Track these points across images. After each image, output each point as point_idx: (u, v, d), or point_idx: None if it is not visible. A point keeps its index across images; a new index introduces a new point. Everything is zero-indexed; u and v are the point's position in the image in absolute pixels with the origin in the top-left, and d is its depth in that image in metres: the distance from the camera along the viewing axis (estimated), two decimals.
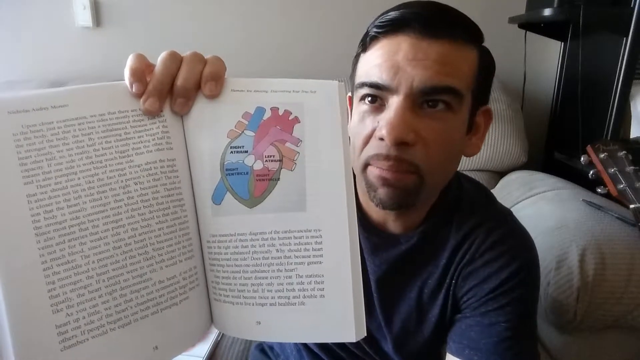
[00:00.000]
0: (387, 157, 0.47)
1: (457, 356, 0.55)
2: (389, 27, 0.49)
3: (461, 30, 0.48)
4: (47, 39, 1.49)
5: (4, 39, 1.49)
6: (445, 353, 0.57)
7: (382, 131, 0.46)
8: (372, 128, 0.49)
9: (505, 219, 0.59)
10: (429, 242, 0.57)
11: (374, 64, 0.49)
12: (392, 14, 0.49)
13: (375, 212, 0.58)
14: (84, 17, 1.46)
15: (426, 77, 0.46)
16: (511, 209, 0.95)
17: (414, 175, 0.48)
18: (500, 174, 1.28)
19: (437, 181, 0.52)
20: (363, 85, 0.49)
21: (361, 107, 0.50)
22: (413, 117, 0.47)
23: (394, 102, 0.47)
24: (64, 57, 1.51)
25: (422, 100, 0.47)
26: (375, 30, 0.50)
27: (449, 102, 0.47)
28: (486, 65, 0.51)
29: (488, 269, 0.54)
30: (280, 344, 0.72)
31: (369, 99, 0.49)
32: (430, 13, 0.48)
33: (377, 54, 0.49)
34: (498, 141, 1.24)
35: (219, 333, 0.84)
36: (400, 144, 0.46)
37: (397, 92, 0.47)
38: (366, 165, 0.50)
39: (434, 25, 0.47)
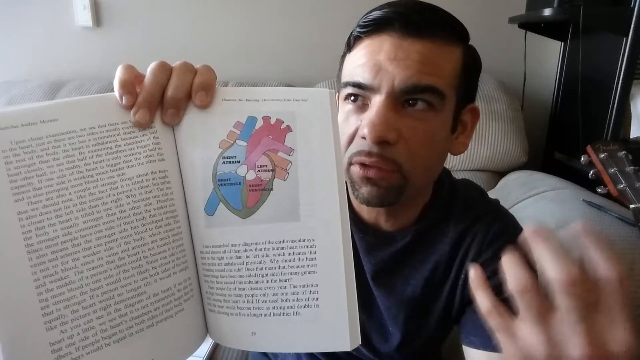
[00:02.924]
0: (369, 154, 0.48)
1: (484, 348, 0.53)
2: (372, 27, 0.49)
3: (444, 29, 0.49)
4: (47, 39, 1.50)
5: (4, 39, 1.49)
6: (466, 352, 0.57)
7: (364, 130, 0.47)
8: (356, 127, 0.49)
9: (499, 210, 0.60)
10: (425, 239, 0.57)
11: (357, 64, 0.49)
12: (375, 14, 0.49)
13: (366, 212, 0.58)
14: (84, 17, 1.46)
15: (407, 76, 0.46)
16: (511, 209, 0.95)
17: (397, 174, 0.48)
18: (500, 174, 1.27)
19: (422, 180, 0.52)
20: (347, 84, 0.50)
21: (345, 107, 0.51)
22: (395, 116, 0.47)
23: (376, 102, 0.47)
24: (63, 57, 1.51)
25: (404, 99, 0.47)
26: (358, 30, 0.51)
27: (431, 101, 0.48)
28: (471, 64, 0.52)
29: (497, 260, 0.54)
30: None
31: (352, 98, 0.50)
32: (413, 12, 0.48)
33: (360, 53, 0.50)
34: (498, 141, 1.24)
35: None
36: (381, 142, 0.47)
37: (379, 92, 0.47)
38: (349, 164, 0.50)
39: (415, 25, 0.47)
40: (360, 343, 0.36)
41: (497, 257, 0.53)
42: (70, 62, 1.51)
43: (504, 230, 0.55)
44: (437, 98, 0.48)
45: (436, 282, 0.57)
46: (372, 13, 0.50)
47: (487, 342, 0.53)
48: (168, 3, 1.47)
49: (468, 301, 0.57)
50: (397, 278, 0.59)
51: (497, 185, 1.22)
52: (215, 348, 0.85)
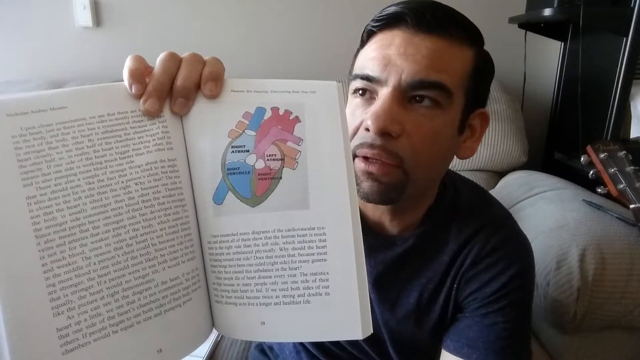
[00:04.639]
0: (371, 146, 0.48)
1: (455, 354, 0.55)
2: (385, 22, 0.50)
3: (456, 28, 0.49)
4: (47, 39, 1.49)
5: (4, 39, 1.49)
6: (441, 352, 0.58)
7: (368, 122, 0.47)
8: (361, 120, 0.49)
9: (503, 223, 0.59)
10: (426, 244, 0.57)
11: (368, 58, 0.50)
12: (389, 9, 0.50)
13: (371, 212, 0.58)
14: (84, 17, 1.46)
15: (415, 71, 0.46)
16: (511, 209, 0.96)
17: (398, 170, 0.48)
18: (500, 174, 1.28)
19: (423, 178, 0.52)
20: (356, 77, 0.50)
21: (353, 100, 0.51)
22: (400, 109, 0.47)
23: (382, 94, 0.48)
24: (64, 57, 1.51)
25: (410, 94, 0.48)
26: (372, 24, 0.51)
27: (437, 98, 0.48)
28: (483, 67, 0.51)
29: (489, 273, 0.55)
30: (279, 345, 0.72)
31: (361, 92, 0.50)
32: (426, 9, 0.48)
33: (372, 47, 0.50)
34: (498, 141, 1.24)
35: (219, 333, 0.84)
36: (384, 134, 0.47)
37: (386, 85, 0.48)
38: (353, 157, 0.50)
39: (427, 21, 0.47)
40: (372, 331, 0.36)
41: (489, 270, 0.54)
42: (70, 62, 1.51)
43: (501, 244, 0.55)
44: (444, 95, 0.48)
45: (432, 292, 0.57)
46: (387, 9, 0.50)
47: (460, 349, 0.55)
48: (168, 3, 1.47)
49: (458, 309, 0.57)
50: (394, 284, 0.58)
51: (497, 185, 1.22)
52: (215, 348, 0.85)
